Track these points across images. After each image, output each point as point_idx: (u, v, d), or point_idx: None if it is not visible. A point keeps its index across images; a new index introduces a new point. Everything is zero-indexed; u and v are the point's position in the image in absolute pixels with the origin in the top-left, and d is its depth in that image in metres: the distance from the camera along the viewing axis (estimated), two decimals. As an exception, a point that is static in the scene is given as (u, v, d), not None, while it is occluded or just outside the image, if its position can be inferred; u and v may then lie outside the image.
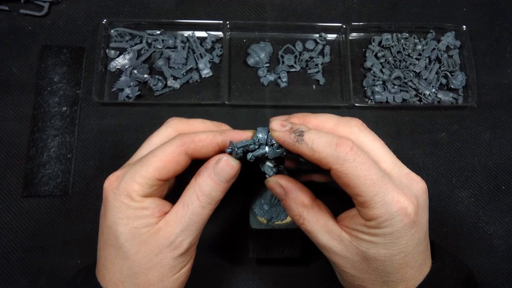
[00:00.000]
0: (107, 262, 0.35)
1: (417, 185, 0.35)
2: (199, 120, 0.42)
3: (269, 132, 0.37)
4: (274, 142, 0.37)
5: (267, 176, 0.40)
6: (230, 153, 0.37)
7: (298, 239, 0.46)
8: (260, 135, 0.37)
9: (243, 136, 0.38)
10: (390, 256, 0.33)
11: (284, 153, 0.39)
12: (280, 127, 0.36)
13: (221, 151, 0.38)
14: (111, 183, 0.36)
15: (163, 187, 0.37)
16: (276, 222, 0.44)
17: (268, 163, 0.39)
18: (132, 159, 0.40)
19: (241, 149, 0.37)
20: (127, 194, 0.35)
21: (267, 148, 0.38)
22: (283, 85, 0.62)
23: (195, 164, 0.39)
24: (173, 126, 0.41)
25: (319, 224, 0.36)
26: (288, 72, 0.62)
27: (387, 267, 0.34)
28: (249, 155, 0.38)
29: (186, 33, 0.63)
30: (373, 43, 0.65)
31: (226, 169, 0.36)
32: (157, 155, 0.36)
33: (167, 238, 0.34)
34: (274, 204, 0.44)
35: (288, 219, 0.44)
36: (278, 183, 0.38)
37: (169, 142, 0.36)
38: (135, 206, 0.35)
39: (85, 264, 0.42)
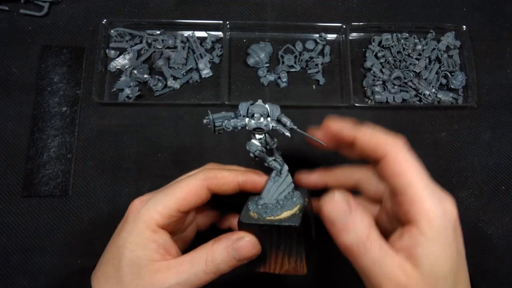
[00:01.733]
0: (103, 277, 0.36)
1: (451, 201, 0.34)
2: (231, 166, 0.43)
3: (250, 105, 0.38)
4: (254, 114, 0.37)
5: (277, 169, 0.40)
6: (208, 124, 0.37)
7: (300, 243, 0.38)
8: (241, 112, 0.38)
9: (261, 180, 0.40)
10: (445, 258, 0.31)
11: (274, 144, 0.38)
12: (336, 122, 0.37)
13: (240, 190, 0.40)
14: (135, 205, 0.38)
15: (178, 221, 0.38)
16: (268, 217, 0.38)
17: (272, 159, 0.39)
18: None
19: (220, 121, 0.37)
20: (145, 220, 0.36)
21: (246, 120, 0.37)
22: (283, 85, 0.62)
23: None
24: (204, 174, 0.41)
25: (387, 255, 0.31)
26: (288, 72, 0.62)
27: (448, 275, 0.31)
28: (226, 123, 0.37)
29: (186, 33, 0.63)
30: (373, 43, 0.65)
31: (246, 249, 0.36)
32: (182, 186, 0.37)
33: (160, 284, 0.34)
34: (271, 200, 0.39)
35: (284, 214, 0.38)
36: (346, 199, 0.33)
37: (194, 176, 0.38)
38: (147, 235, 0.35)
39: (85, 265, 0.42)
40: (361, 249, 0.31)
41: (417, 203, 0.31)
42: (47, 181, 0.55)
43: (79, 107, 0.59)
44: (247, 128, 0.37)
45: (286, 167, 0.41)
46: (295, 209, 0.39)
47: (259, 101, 0.38)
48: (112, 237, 0.38)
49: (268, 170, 0.41)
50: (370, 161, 0.37)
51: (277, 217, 0.38)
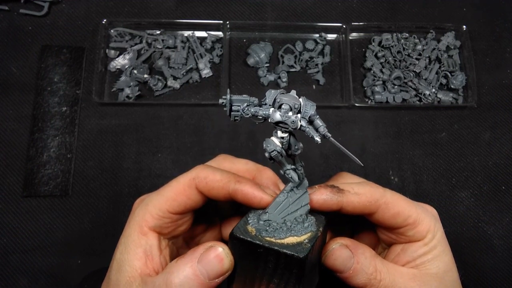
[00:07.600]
0: (106, 278, 0.36)
1: (432, 209, 0.38)
2: (243, 161, 0.40)
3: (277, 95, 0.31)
4: (282, 105, 0.30)
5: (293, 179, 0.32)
6: (224, 105, 0.30)
7: (299, 280, 0.31)
8: (267, 100, 0.30)
9: (257, 195, 0.33)
10: (447, 260, 0.35)
11: (298, 148, 0.32)
12: (319, 194, 0.34)
13: (232, 199, 0.34)
14: (135, 204, 0.37)
15: (173, 224, 0.35)
16: (267, 238, 0.31)
17: (289, 167, 0.32)
18: None
19: (238, 104, 0.30)
20: (137, 222, 0.35)
21: (271, 110, 0.30)
22: (283, 85, 0.62)
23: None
24: (217, 163, 0.39)
25: (396, 273, 0.34)
26: (288, 72, 0.62)
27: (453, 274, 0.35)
28: (245, 108, 0.30)
29: (186, 33, 0.63)
30: (373, 43, 0.65)
31: (214, 263, 0.30)
32: (172, 185, 0.35)
33: None
34: (277, 218, 0.33)
35: (288, 239, 0.31)
36: (344, 244, 0.34)
37: (185, 174, 0.35)
38: (134, 239, 0.34)
39: (85, 264, 0.42)
40: (374, 282, 0.33)
41: (419, 225, 0.35)
42: (47, 181, 0.55)
43: (79, 107, 0.59)
44: (269, 120, 0.30)
45: (306, 183, 0.33)
46: (304, 237, 0.32)
47: (293, 92, 0.31)
48: None
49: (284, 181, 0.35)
50: (361, 214, 0.36)
51: (279, 241, 0.31)
